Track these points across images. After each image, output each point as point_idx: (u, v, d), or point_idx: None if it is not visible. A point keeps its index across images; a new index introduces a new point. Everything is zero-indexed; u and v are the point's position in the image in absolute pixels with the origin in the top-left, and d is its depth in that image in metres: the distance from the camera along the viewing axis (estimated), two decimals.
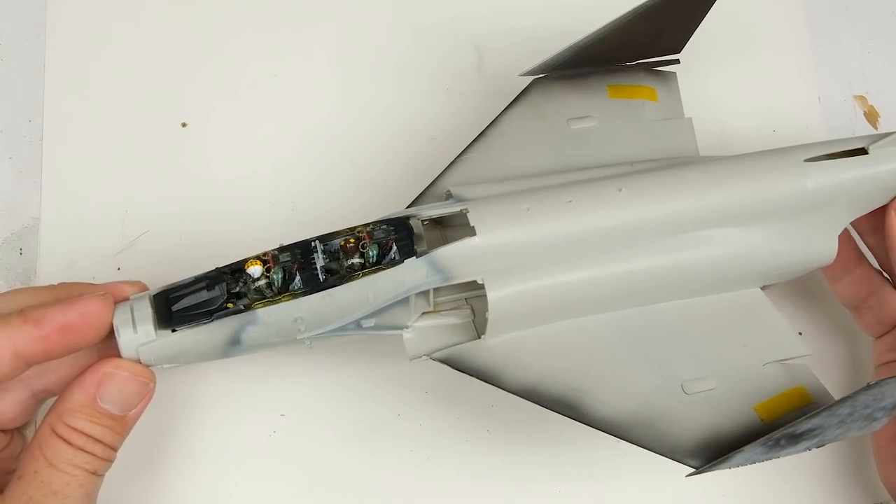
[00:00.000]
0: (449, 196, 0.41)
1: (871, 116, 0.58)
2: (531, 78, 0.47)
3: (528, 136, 0.45)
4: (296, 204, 0.50)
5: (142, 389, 0.37)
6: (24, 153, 0.50)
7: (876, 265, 0.48)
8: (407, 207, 0.42)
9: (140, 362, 0.37)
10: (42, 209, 0.49)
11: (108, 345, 0.37)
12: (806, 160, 0.42)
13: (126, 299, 0.38)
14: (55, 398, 0.37)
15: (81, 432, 0.35)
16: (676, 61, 0.48)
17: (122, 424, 0.37)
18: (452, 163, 0.44)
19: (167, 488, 0.46)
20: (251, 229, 0.49)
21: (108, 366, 0.36)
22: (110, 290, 0.38)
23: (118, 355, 0.37)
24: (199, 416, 0.47)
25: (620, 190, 0.40)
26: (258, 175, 0.51)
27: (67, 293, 0.38)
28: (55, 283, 0.39)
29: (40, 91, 0.51)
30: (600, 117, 0.46)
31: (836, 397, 0.38)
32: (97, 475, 0.36)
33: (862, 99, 0.58)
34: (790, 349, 0.42)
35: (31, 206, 0.49)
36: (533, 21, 0.55)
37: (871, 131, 0.57)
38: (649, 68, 0.48)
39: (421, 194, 0.43)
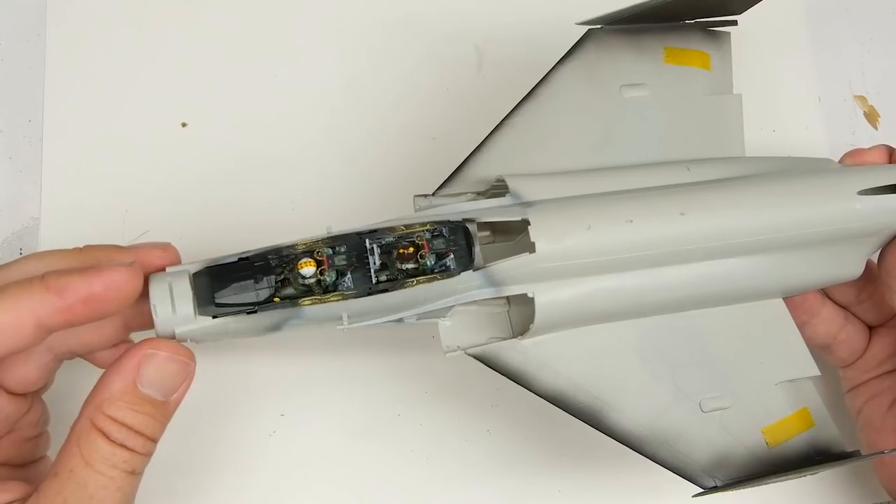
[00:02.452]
0: (500, 182, 0.41)
1: (871, 116, 0.58)
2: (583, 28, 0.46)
3: (579, 101, 0.44)
4: (295, 203, 0.50)
5: (182, 370, 0.35)
6: (24, 153, 0.50)
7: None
8: (449, 180, 0.41)
9: (175, 338, 0.36)
10: (42, 209, 0.49)
11: (134, 311, 0.36)
12: (859, 192, 0.42)
13: (158, 268, 0.36)
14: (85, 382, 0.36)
15: (122, 423, 0.34)
16: (734, 23, 0.47)
17: (164, 411, 0.35)
18: (499, 126, 0.42)
19: (163, 487, 0.46)
20: (251, 229, 0.49)
21: (147, 347, 0.35)
22: (138, 256, 0.36)
23: (144, 321, 0.35)
24: (198, 416, 0.47)
25: (682, 214, 0.40)
26: (258, 175, 0.51)
27: (94, 258, 0.36)
28: (81, 246, 0.37)
29: (40, 91, 0.51)
30: (653, 87, 0.45)
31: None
32: (135, 475, 0.35)
33: (862, 99, 0.58)
34: (802, 369, 0.43)
35: (31, 206, 0.49)
36: (533, 21, 0.55)
37: (871, 131, 0.58)
38: (705, 28, 0.47)
39: (466, 159, 0.42)
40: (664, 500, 0.48)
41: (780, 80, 0.57)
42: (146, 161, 0.50)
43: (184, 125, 0.51)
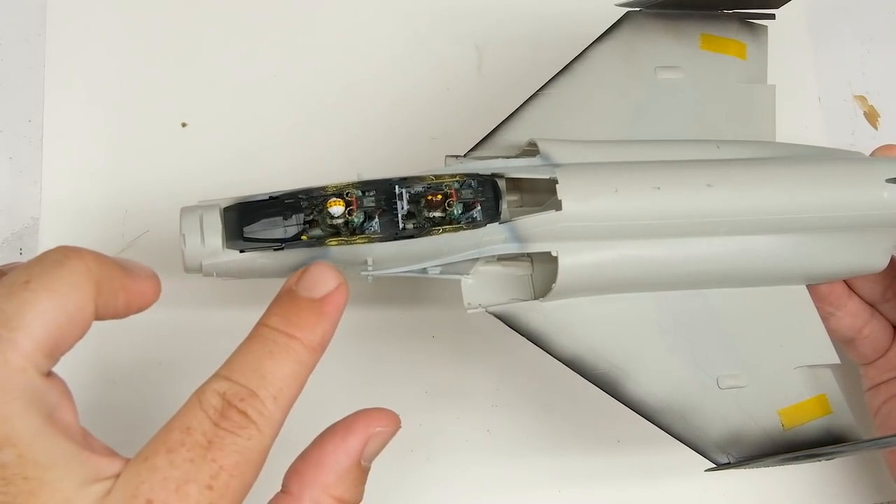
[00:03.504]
0: (532, 145, 0.41)
1: (871, 116, 0.58)
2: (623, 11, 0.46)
3: (614, 79, 0.45)
4: None
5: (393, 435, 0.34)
6: (24, 153, 0.50)
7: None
8: (481, 143, 0.42)
9: (202, 270, 0.36)
10: (42, 209, 0.49)
11: None
12: (888, 180, 0.42)
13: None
14: None
15: (345, 502, 0.32)
16: (772, 16, 0.48)
17: (367, 474, 0.34)
18: (533, 96, 0.43)
19: None
20: None
21: (372, 424, 0.33)
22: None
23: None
24: None
25: (709, 185, 0.40)
26: (258, 175, 0.51)
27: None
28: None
29: (40, 91, 0.51)
30: (688, 70, 0.46)
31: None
32: None
33: (862, 99, 0.58)
34: (821, 355, 0.43)
35: (31, 206, 0.49)
36: (533, 21, 0.55)
37: (871, 131, 0.58)
38: (743, 19, 0.48)
39: (498, 126, 0.42)
40: None
41: (781, 80, 0.57)
42: (146, 161, 0.50)
43: (184, 125, 0.51)
